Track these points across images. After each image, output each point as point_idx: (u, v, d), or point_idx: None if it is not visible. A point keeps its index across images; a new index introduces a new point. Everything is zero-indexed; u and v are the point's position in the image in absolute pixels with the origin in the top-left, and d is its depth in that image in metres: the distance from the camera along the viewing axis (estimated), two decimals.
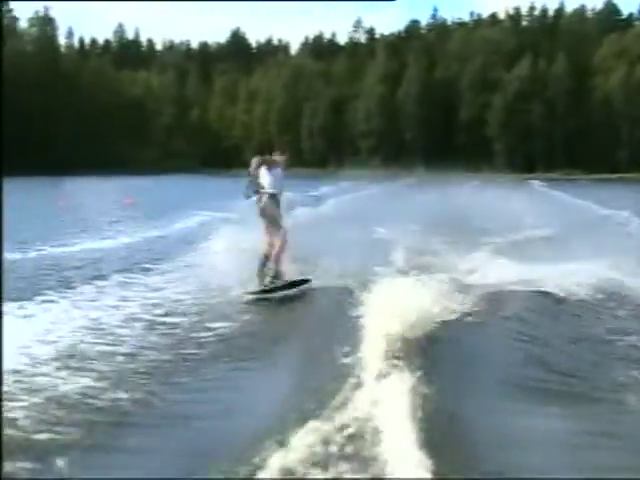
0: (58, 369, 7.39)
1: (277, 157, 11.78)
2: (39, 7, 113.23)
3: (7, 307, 9.38)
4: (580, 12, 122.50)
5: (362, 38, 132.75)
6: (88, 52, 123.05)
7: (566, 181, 77.08)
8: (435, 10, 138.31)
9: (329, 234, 19.12)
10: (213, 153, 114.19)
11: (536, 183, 70.23)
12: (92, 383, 7.00)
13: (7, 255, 14.20)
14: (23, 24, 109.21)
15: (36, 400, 6.36)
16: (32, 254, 16.14)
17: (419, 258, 14.45)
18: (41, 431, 5.64)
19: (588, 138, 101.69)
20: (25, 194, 41.59)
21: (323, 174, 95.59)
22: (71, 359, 7.73)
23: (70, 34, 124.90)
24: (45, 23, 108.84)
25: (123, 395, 6.67)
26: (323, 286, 11.84)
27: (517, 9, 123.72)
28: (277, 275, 11.49)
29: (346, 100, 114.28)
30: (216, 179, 76.58)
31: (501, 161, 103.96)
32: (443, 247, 16.38)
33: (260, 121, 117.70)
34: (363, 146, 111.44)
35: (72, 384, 6.90)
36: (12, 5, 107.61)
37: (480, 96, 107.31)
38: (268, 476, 4.37)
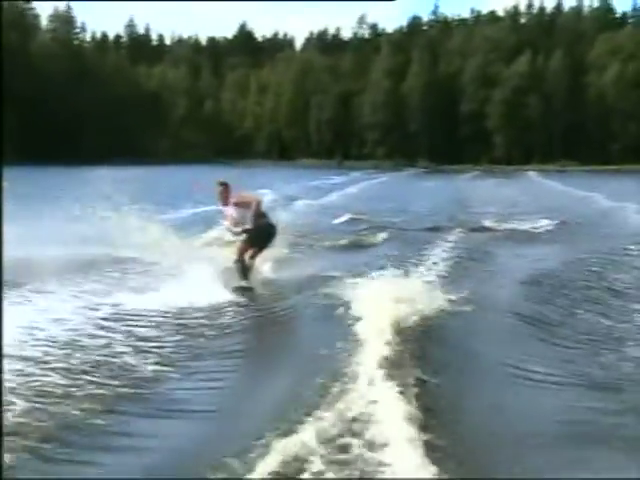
0: None
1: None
2: (60, 5, 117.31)
3: None
4: (577, 10, 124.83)
5: (366, 33, 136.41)
6: (105, 47, 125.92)
7: (561, 172, 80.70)
8: (436, 7, 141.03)
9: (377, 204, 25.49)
10: (226, 143, 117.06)
11: (532, 174, 73.55)
12: None
13: None
14: (44, 22, 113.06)
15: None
16: None
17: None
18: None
19: (583, 131, 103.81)
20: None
21: (331, 165, 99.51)
22: None
23: (83, 29, 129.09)
24: (67, 21, 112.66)
25: None
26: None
27: (516, 6, 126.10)
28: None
29: (352, 94, 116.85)
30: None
31: (501, 152, 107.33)
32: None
33: (270, 113, 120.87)
34: (369, 138, 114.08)
35: None
36: (34, 4, 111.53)
37: (481, 90, 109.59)
38: (275, 461, 4.51)
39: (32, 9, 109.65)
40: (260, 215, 11.86)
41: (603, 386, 6.60)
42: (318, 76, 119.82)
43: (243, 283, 11.38)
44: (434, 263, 13.16)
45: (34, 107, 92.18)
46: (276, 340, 8.82)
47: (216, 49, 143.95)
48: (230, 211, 11.79)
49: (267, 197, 31.55)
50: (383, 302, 8.29)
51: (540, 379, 6.88)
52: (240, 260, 11.59)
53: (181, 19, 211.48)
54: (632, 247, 15.40)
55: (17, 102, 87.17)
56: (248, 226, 11.62)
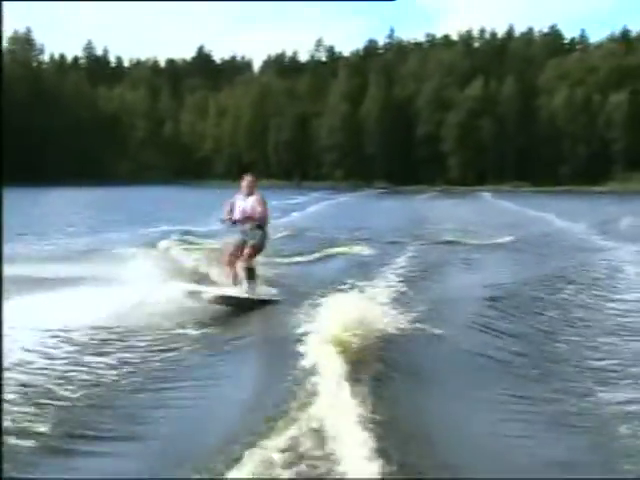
0: None
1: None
2: (19, 27, 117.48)
3: None
4: (527, 36, 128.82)
5: (323, 56, 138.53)
6: (65, 69, 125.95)
7: (513, 192, 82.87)
8: (392, 30, 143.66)
9: (332, 224, 26.80)
10: (185, 165, 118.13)
11: (487, 194, 75.57)
12: None
13: None
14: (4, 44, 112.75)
15: None
16: None
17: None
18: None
19: (535, 153, 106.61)
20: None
21: (290, 186, 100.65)
22: None
23: (42, 51, 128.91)
24: (26, 43, 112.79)
25: None
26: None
27: (469, 31, 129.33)
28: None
29: (310, 116, 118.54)
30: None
31: (456, 174, 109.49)
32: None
33: (229, 135, 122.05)
34: (327, 160, 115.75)
35: None
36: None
37: (436, 114, 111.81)
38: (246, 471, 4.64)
39: None
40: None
41: (562, 422, 6.47)
42: (276, 99, 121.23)
43: (264, 297, 11.72)
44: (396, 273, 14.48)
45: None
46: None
47: (175, 71, 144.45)
48: (244, 202, 11.98)
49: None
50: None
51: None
52: (252, 267, 11.82)
53: (139, 41, 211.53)
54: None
55: None
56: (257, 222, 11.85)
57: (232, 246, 12.01)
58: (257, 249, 11.91)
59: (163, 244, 19.28)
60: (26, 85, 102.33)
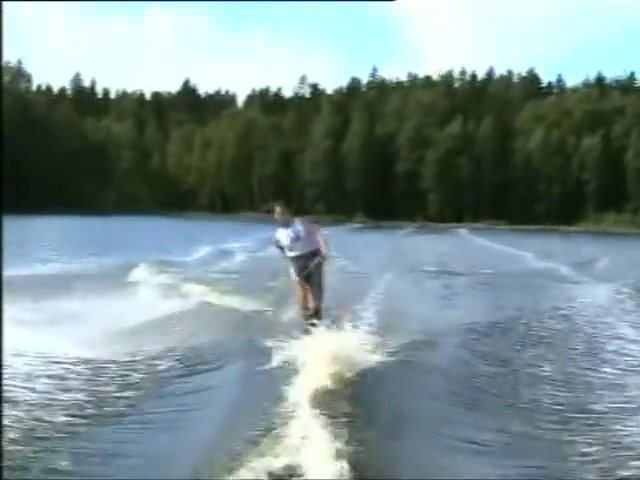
0: None
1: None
2: (11, 58, 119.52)
3: None
4: (506, 78, 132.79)
5: (307, 93, 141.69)
6: (54, 100, 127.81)
7: (490, 230, 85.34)
8: (374, 69, 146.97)
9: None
10: (170, 196, 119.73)
11: (464, 231, 77.59)
12: None
13: None
14: None
15: None
16: None
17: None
18: None
19: (511, 192, 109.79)
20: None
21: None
22: None
23: (29, 81, 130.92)
24: (17, 73, 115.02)
25: None
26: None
27: (450, 72, 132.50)
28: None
29: (294, 152, 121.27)
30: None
31: (434, 210, 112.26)
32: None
33: (214, 168, 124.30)
34: (309, 194, 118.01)
35: None
36: None
37: (416, 151, 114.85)
38: None
39: None
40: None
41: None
42: (261, 134, 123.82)
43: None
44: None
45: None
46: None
47: (160, 104, 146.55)
48: (286, 232, 11.45)
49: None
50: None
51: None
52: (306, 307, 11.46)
53: (125, 73, 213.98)
54: None
55: None
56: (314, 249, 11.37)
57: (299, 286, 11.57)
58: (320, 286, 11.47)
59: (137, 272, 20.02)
60: (16, 115, 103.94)
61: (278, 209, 11.59)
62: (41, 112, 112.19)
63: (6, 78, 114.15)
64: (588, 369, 10.17)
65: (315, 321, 10.40)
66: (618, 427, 7.35)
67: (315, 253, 11.39)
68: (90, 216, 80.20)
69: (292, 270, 11.55)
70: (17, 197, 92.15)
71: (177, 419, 7.42)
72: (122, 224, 65.55)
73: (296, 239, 11.36)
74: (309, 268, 11.34)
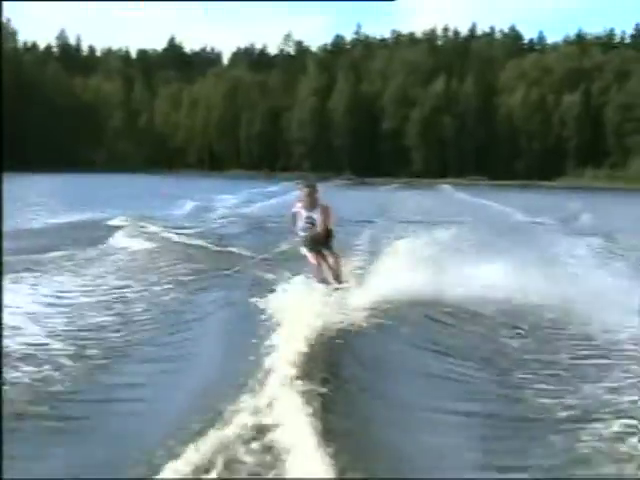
0: None
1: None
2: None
3: None
4: (489, 35, 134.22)
5: (292, 50, 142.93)
6: (43, 59, 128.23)
7: (472, 186, 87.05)
8: (359, 26, 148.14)
9: None
10: (159, 154, 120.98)
11: (446, 187, 79.12)
12: None
13: None
14: None
15: None
16: None
17: None
18: None
19: (493, 149, 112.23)
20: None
21: (259, 176, 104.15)
22: None
23: (14, 39, 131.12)
24: (6, 33, 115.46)
25: None
26: None
27: (433, 30, 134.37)
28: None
29: (280, 110, 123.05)
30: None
31: (419, 167, 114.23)
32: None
33: (202, 127, 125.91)
34: (296, 152, 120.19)
35: None
36: None
37: (400, 110, 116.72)
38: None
39: None
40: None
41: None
42: (247, 93, 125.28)
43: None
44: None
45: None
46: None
47: (146, 62, 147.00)
48: (305, 215, 11.51)
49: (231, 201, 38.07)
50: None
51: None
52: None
53: (109, 29, 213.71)
54: None
55: None
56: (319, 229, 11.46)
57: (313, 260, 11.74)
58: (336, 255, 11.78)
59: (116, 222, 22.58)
60: (7, 75, 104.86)
61: (306, 191, 11.44)
62: (31, 71, 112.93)
63: None
64: None
65: (338, 285, 11.12)
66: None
67: (326, 234, 11.56)
68: (80, 174, 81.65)
69: (303, 246, 11.72)
70: (9, 156, 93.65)
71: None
72: (110, 182, 66.46)
73: (311, 226, 11.43)
74: (319, 246, 11.54)
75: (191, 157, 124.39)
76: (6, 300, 10.16)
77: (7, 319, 9.38)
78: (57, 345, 8.52)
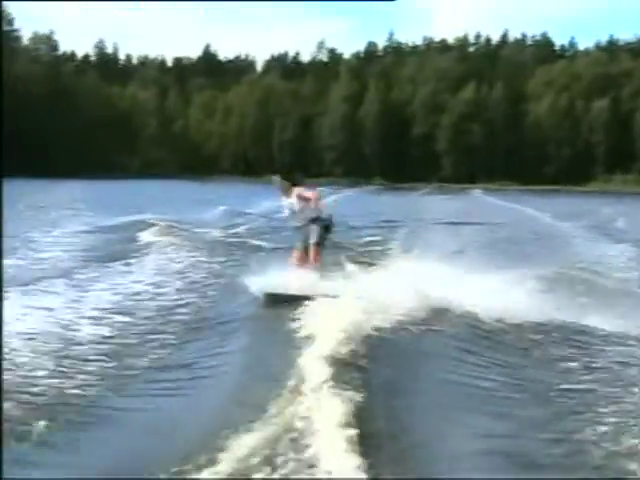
0: None
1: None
2: (40, 28, 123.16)
3: None
4: (520, 42, 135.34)
5: (324, 57, 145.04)
6: (81, 68, 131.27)
7: (501, 190, 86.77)
8: (391, 34, 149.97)
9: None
10: (193, 161, 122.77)
11: (475, 192, 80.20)
12: None
13: None
14: (25, 43, 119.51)
15: None
16: None
17: None
18: None
19: (522, 155, 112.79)
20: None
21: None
22: None
23: (55, 48, 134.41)
24: (47, 43, 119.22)
25: None
26: None
27: (465, 36, 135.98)
28: None
29: (312, 117, 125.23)
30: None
31: (448, 172, 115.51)
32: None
33: (236, 133, 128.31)
34: (327, 158, 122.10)
35: None
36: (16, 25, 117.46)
37: (430, 116, 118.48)
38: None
39: (16, 31, 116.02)
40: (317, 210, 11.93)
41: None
42: (280, 100, 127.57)
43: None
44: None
45: (18, 124, 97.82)
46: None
47: (181, 69, 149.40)
48: (291, 202, 11.86)
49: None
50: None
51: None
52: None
53: (146, 39, 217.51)
54: None
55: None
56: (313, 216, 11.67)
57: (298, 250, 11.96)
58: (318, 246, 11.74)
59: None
60: (46, 84, 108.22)
61: (277, 179, 12.11)
62: (70, 81, 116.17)
63: (38, 46, 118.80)
64: None
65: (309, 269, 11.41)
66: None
67: (315, 220, 11.72)
68: (116, 180, 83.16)
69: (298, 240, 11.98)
70: (46, 163, 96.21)
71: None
72: (144, 188, 66.97)
73: (292, 213, 11.84)
74: (310, 237, 11.68)
75: (225, 163, 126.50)
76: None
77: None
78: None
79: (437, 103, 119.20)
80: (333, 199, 44.77)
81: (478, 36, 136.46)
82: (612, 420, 6.59)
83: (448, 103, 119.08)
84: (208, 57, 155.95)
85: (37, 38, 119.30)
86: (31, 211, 30.93)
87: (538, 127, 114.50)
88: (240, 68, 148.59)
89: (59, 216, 29.09)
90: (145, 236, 20.81)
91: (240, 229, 25.01)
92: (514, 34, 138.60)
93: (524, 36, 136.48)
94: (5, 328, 8.82)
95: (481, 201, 59.29)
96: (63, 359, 8.14)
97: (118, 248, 18.72)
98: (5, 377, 7.09)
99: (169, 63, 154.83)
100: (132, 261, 16.30)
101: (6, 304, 10.24)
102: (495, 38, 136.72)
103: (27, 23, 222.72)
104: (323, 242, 11.75)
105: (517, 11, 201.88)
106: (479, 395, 7.37)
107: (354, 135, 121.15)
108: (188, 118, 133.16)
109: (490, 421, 6.60)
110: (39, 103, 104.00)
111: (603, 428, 6.35)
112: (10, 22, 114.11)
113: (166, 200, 43.92)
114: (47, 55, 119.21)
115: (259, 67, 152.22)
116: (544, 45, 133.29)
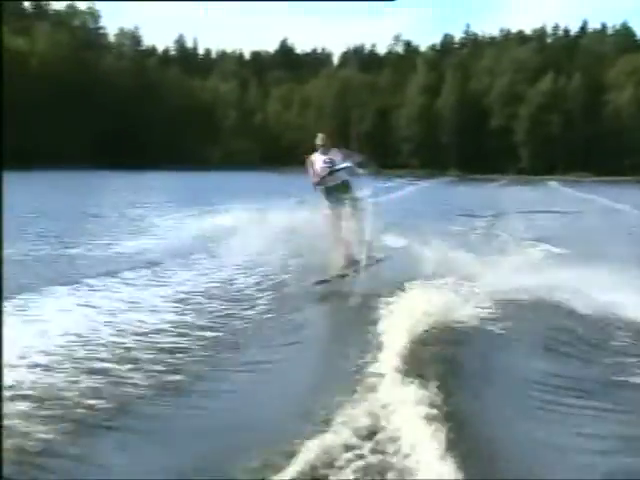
0: None
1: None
2: (126, 24, 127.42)
3: None
4: (600, 32, 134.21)
5: (400, 50, 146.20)
6: (165, 62, 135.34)
7: (579, 182, 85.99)
8: (468, 25, 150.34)
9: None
10: (273, 152, 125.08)
11: (553, 183, 79.87)
12: None
13: None
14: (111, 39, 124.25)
15: None
16: None
17: None
18: None
19: (600, 146, 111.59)
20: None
21: (369, 173, 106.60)
22: None
23: (139, 43, 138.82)
24: (132, 38, 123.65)
25: None
26: None
27: (543, 27, 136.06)
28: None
29: (390, 109, 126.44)
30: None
31: (526, 164, 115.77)
32: None
33: (313, 125, 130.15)
34: (404, 149, 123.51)
35: None
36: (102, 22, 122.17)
37: (508, 107, 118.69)
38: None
39: (102, 28, 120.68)
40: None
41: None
42: (357, 92, 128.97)
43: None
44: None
45: (107, 118, 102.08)
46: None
47: (259, 63, 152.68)
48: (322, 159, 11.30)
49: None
50: None
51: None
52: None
53: (224, 34, 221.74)
54: None
55: (92, 113, 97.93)
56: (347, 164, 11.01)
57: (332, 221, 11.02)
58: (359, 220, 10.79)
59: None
60: (132, 78, 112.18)
61: (321, 136, 11.72)
62: (155, 75, 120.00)
63: (124, 42, 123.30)
64: None
65: (343, 271, 10.66)
66: None
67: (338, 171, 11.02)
68: (198, 171, 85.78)
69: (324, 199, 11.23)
70: (135, 156, 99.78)
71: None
72: (225, 179, 67.59)
73: (330, 166, 11.15)
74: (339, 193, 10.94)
75: (303, 154, 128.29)
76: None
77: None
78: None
79: (515, 94, 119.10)
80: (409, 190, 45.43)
81: (556, 27, 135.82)
82: None
83: (526, 94, 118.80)
84: (285, 50, 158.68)
85: (122, 34, 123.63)
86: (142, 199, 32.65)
87: (618, 117, 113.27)
88: (317, 61, 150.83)
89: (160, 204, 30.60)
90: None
91: None
92: (593, 25, 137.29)
93: (604, 26, 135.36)
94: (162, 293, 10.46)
95: (565, 194, 58.92)
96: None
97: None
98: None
99: (247, 56, 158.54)
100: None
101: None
102: (573, 29, 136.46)
103: (111, 20, 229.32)
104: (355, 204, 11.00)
105: (595, 1, 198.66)
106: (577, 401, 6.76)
107: (431, 126, 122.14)
108: (267, 110, 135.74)
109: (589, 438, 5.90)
110: (127, 97, 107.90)
111: None
112: (96, 19, 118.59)
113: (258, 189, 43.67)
114: (131, 50, 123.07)
115: (335, 60, 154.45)
116: (625, 35, 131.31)
